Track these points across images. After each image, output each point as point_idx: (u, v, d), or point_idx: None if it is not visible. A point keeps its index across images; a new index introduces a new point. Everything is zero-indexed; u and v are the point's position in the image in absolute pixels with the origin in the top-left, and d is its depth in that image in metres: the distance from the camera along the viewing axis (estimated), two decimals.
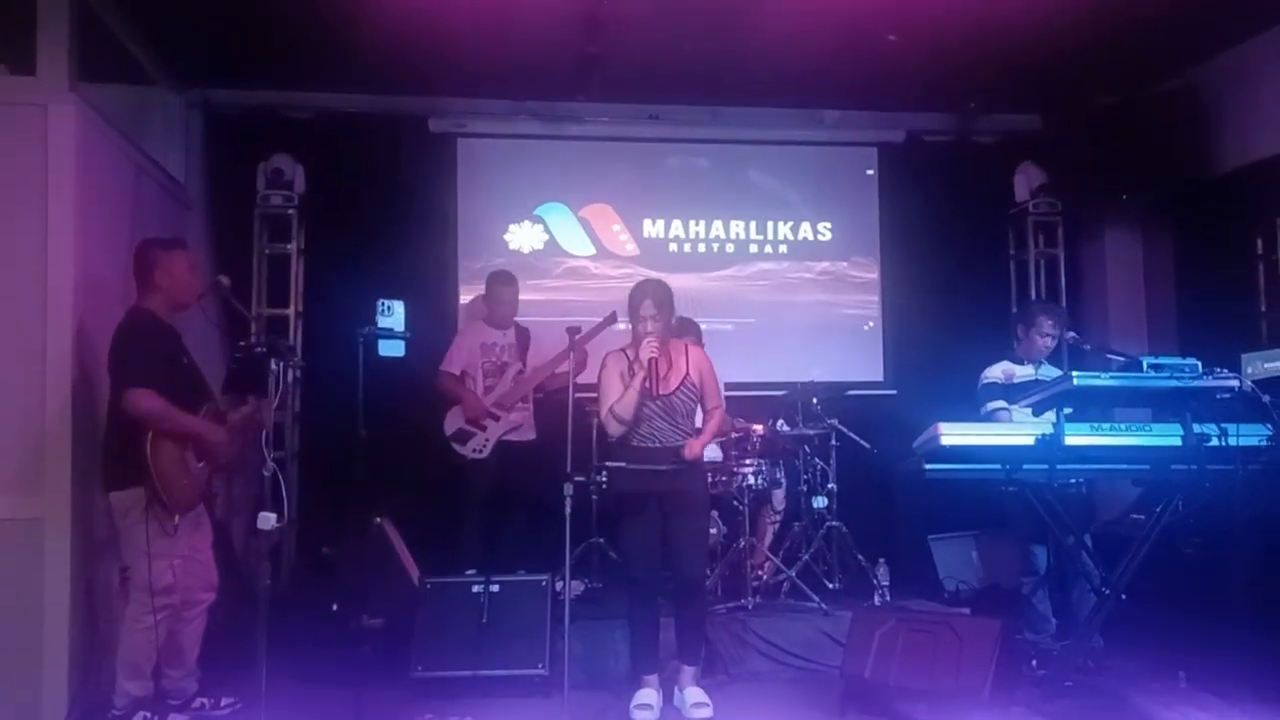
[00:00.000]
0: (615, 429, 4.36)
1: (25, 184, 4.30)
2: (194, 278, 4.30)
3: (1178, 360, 4.09)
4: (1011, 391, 4.82)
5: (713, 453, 5.67)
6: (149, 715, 4.07)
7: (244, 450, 4.45)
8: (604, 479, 5.47)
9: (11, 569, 4.20)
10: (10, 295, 4.29)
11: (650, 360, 4.27)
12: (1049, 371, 4.93)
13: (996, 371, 4.97)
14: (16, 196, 4.31)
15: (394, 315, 4.50)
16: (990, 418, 4.82)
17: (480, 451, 5.59)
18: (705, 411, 4.53)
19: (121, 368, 4.04)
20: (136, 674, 4.05)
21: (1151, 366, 4.08)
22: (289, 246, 6.41)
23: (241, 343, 3.90)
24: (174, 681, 4.25)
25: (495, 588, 4.77)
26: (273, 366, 3.88)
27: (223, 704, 4.29)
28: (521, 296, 5.97)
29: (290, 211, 6.36)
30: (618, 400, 4.31)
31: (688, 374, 4.42)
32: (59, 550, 4.22)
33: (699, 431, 4.48)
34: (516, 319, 5.87)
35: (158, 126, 5.94)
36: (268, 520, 3.81)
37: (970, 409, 4.98)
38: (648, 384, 4.28)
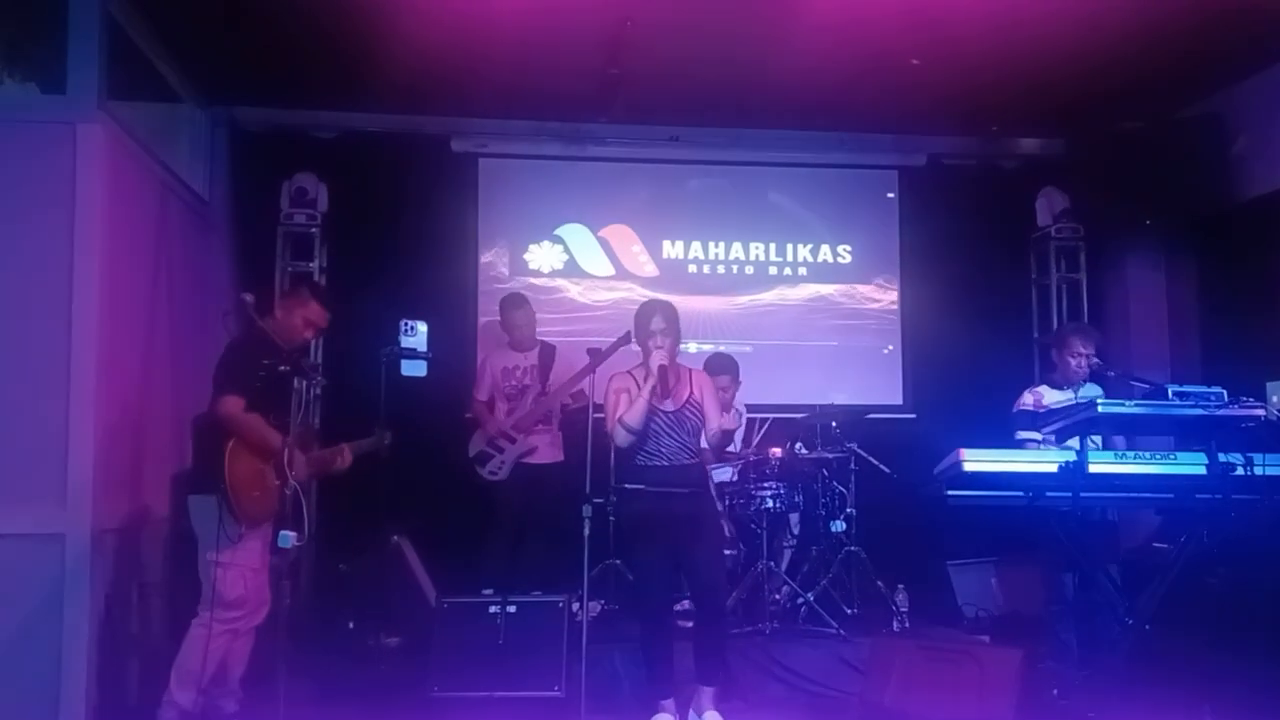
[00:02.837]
0: (623, 438, 4.35)
1: (53, 201, 4.33)
2: (306, 331, 4.35)
3: (1203, 388, 4.06)
4: (1040, 418, 4.77)
5: (724, 475, 5.66)
6: None
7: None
8: (615, 501, 5.46)
9: (31, 584, 4.20)
10: (36, 310, 4.32)
11: (660, 368, 4.28)
12: (1091, 392, 4.86)
13: (1028, 399, 4.91)
14: (45, 213, 4.34)
15: (417, 335, 4.51)
16: (1020, 447, 4.76)
17: (497, 474, 5.62)
18: (708, 432, 4.50)
19: (220, 374, 4.10)
20: (189, 683, 4.01)
21: (1177, 394, 4.04)
22: (311, 265, 6.43)
23: (265, 361, 3.89)
24: (211, 699, 4.19)
25: (512, 608, 4.75)
26: (295, 385, 3.89)
27: None
28: (541, 316, 6.01)
29: (313, 230, 6.39)
30: (627, 409, 4.31)
31: (692, 393, 4.44)
32: (79, 566, 4.22)
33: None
34: (542, 338, 5.89)
35: (184, 143, 5.99)
36: (287, 539, 3.82)
37: (990, 433, 4.94)
38: (657, 391, 4.29)
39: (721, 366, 5.57)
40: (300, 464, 4.14)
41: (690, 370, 4.57)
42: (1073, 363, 4.91)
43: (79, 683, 4.19)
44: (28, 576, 4.20)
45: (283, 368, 3.84)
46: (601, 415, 4.67)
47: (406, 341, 4.55)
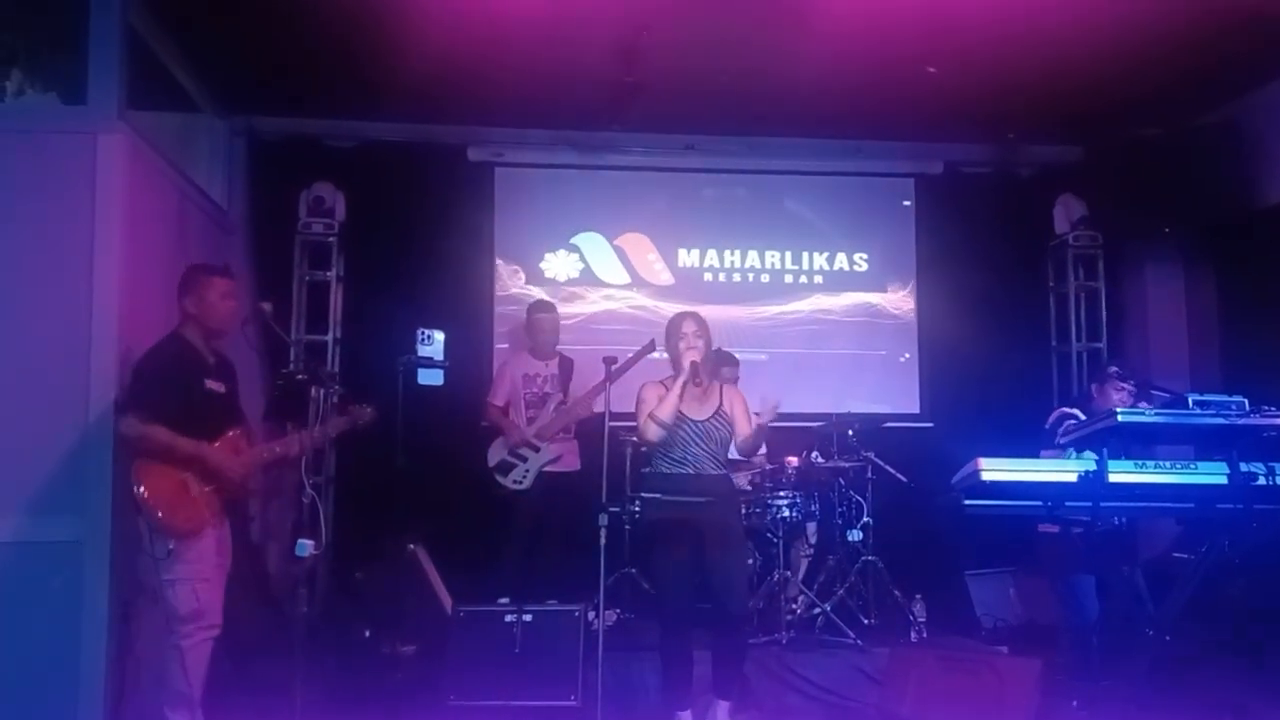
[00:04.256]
0: (654, 433, 4.33)
1: (74, 210, 4.35)
2: (226, 305, 4.22)
3: (1224, 397, 4.02)
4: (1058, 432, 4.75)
5: (743, 482, 5.64)
6: None
7: (250, 478, 4.38)
8: (638, 509, 5.46)
9: (49, 592, 4.21)
10: (56, 319, 4.34)
11: (692, 364, 4.30)
12: None
13: (1061, 411, 4.92)
14: (65, 222, 4.36)
15: (434, 344, 4.52)
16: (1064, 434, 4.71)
17: (521, 482, 5.62)
18: (741, 438, 4.50)
19: (125, 394, 4.08)
20: (180, 704, 4.00)
21: (1197, 403, 4.00)
22: (329, 273, 6.47)
23: (283, 370, 3.91)
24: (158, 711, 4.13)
25: (528, 617, 4.75)
26: (313, 393, 3.90)
27: None
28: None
29: (331, 239, 6.42)
30: (658, 405, 4.32)
31: (721, 404, 4.45)
32: (97, 574, 4.23)
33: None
34: (562, 350, 5.90)
35: (203, 153, 6.03)
36: (305, 547, 3.83)
37: (1008, 442, 4.90)
38: (691, 385, 4.31)
39: (720, 360, 5.58)
40: (236, 465, 4.13)
41: (721, 385, 4.59)
42: (1115, 396, 4.91)
43: (97, 686, 4.19)
44: (48, 583, 4.21)
45: (301, 376, 3.85)
46: (617, 424, 4.67)
47: (423, 350, 4.56)
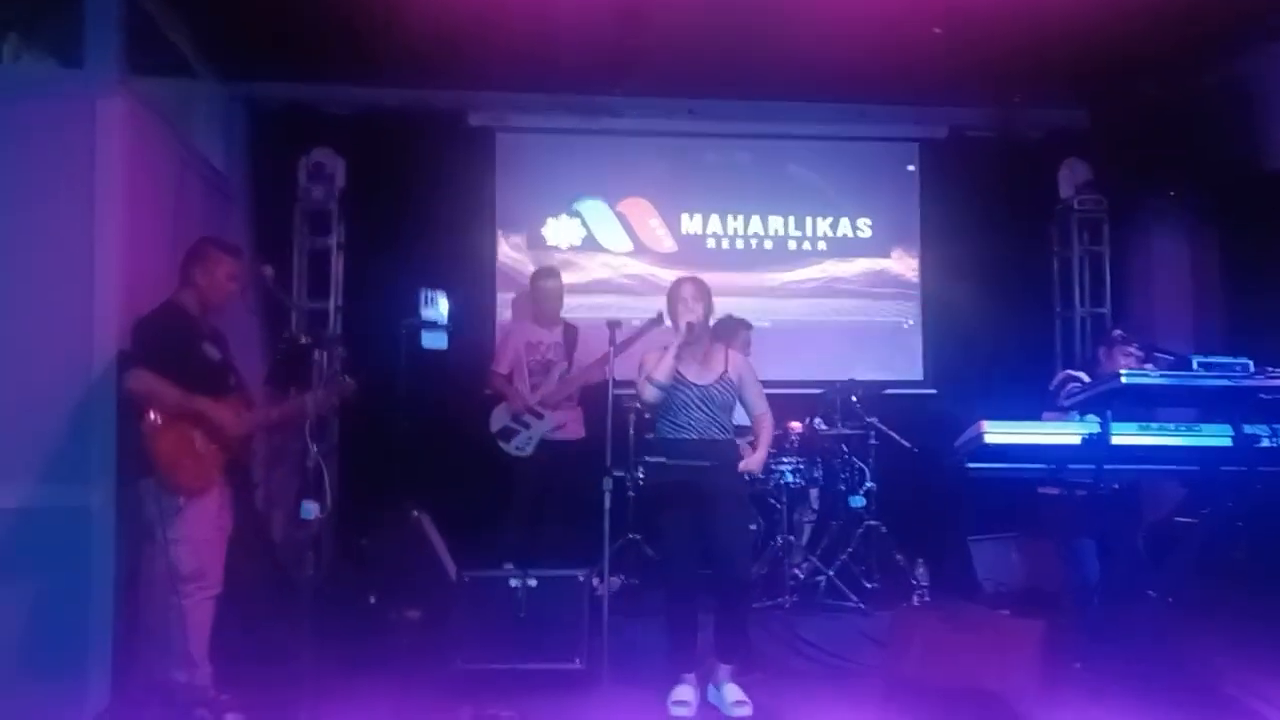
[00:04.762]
0: (651, 394, 4.36)
1: (74, 176, 4.33)
2: (230, 285, 4.30)
3: (1229, 359, 4.01)
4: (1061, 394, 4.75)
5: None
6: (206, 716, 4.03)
7: (251, 438, 4.40)
8: (642, 475, 5.48)
9: (57, 558, 4.22)
10: (58, 286, 4.32)
11: (688, 325, 4.31)
12: None
13: (1065, 373, 4.93)
14: (65, 188, 4.34)
15: (436, 306, 4.50)
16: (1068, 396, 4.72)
17: (523, 449, 5.62)
18: (752, 419, 4.53)
19: (128, 353, 4.11)
20: (182, 661, 4.04)
21: (1202, 365, 4.00)
22: (329, 240, 6.44)
23: (286, 334, 3.90)
24: (164, 669, 4.15)
25: (532, 582, 4.77)
26: (316, 357, 3.89)
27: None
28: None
29: (331, 205, 6.39)
30: (654, 366, 4.34)
31: (726, 371, 4.45)
32: (104, 539, 4.24)
33: (751, 444, 4.52)
34: (565, 317, 5.88)
35: (202, 119, 5.98)
36: (310, 510, 3.84)
37: (1011, 407, 4.90)
38: (687, 343, 4.33)
39: (733, 325, 5.62)
40: (239, 423, 4.15)
41: (727, 350, 4.57)
42: (1123, 361, 4.90)
43: (105, 654, 4.23)
44: (53, 549, 4.23)
45: (304, 340, 3.85)
46: (621, 391, 4.68)
47: (426, 313, 4.54)
